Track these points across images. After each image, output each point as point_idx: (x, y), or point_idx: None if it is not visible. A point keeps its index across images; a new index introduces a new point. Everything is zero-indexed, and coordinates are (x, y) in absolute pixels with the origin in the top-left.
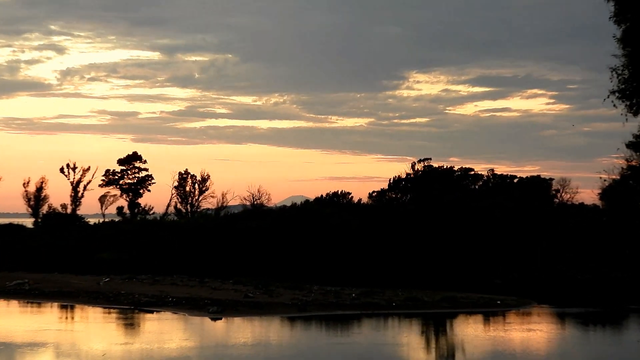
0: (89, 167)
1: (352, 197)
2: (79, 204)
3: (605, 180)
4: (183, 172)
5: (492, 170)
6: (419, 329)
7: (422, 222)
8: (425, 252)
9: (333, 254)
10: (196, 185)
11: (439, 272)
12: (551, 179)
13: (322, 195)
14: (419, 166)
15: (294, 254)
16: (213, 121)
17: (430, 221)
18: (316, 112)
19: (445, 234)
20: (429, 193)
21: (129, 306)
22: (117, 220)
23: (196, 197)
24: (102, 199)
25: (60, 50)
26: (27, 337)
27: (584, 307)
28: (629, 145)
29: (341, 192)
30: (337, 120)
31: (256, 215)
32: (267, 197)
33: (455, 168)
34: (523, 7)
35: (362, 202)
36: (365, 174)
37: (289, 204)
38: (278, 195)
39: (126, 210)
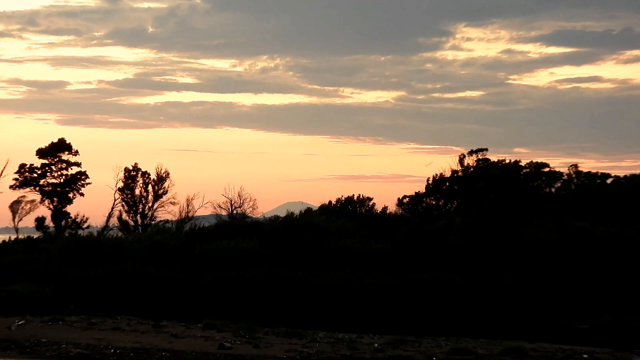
0: None
1: (373, 204)
2: None
3: None
4: (131, 168)
5: (575, 166)
6: None
7: (471, 240)
8: (479, 285)
9: (345, 287)
10: (150, 188)
11: (496, 312)
12: None
13: (330, 203)
14: (469, 160)
15: (289, 286)
16: (174, 95)
17: (483, 240)
18: (322, 82)
19: (506, 258)
20: (484, 200)
21: None
22: (36, 237)
23: (150, 205)
24: (15, 207)
25: None
26: None
27: None
28: None
29: (359, 197)
30: (352, 94)
31: (236, 231)
32: (252, 204)
33: (523, 163)
34: None
35: (388, 211)
36: (393, 170)
37: (282, 213)
38: (268, 201)
39: (49, 222)
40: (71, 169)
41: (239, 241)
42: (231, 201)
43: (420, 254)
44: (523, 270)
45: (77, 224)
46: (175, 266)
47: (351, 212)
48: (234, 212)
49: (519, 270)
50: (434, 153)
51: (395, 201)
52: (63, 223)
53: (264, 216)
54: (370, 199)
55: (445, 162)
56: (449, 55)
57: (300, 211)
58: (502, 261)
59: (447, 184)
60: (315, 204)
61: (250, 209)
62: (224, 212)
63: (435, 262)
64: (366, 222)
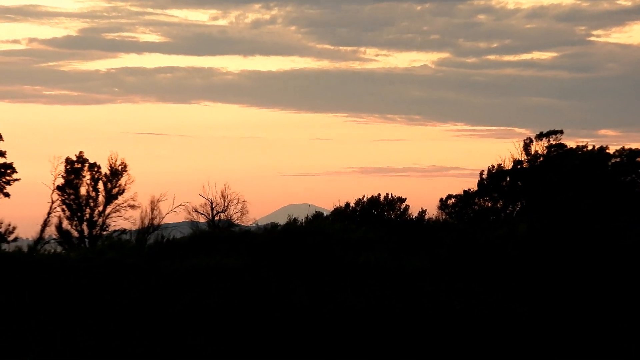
0: None
1: (407, 207)
2: None
3: None
4: (74, 159)
5: None
6: None
7: (541, 255)
8: (553, 318)
9: (368, 319)
10: (100, 185)
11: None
12: None
13: (348, 205)
14: (538, 146)
15: (292, 318)
16: (133, 59)
17: (558, 254)
18: (336, 40)
19: (591, 278)
20: (559, 199)
21: None
22: None
23: (100, 209)
24: None
25: None
26: None
27: None
28: None
29: (386, 197)
30: (377, 56)
31: (219, 245)
32: (240, 207)
33: (611, 150)
34: None
35: (427, 216)
36: (433, 161)
37: (282, 220)
38: (263, 203)
39: None
40: None
41: (222, 258)
42: (212, 204)
43: (471, 274)
44: (618, 294)
45: (1, 237)
46: (135, 292)
47: (376, 217)
48: (216, 218)
49: (611, 295)
50: (489, 137)
51: (437, 203)
52: None
53: (257, 224)
54: (402, 200)
55: (504, 149)
56: (510, 3)
57: (307, 217)
58: (586, 283)
59: (508, 178)
60: (327, 206)
61: (239, 214)
62: (202, 219)
63: (490, 285)
64: (397, 231)
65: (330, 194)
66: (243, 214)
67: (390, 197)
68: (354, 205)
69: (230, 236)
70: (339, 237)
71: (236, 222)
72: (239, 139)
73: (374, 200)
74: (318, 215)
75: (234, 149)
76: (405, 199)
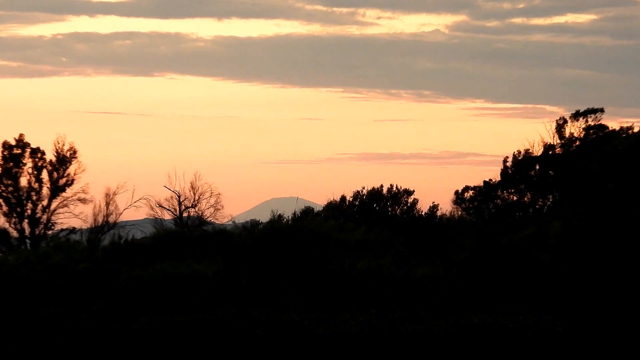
0: None
1: (415, 201)
2: None
3: None
4: (13, 144)
5: None
6: None
7: (577, 259)
8: (593, 336)
9: (370, 339)
10: (45, 175)
11: None
12: None
13: (344, 199)
14: (574, 128)
15: (277, 337)
16: (84, 22)
17: (599, 259)
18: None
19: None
20: (599, 192)
21: None
22: None
23: (45, 203)
24: None
25: None
26: None
27: None
28: None
29: (391, 189)
30: (378, 19)
31: (189, 247)
32: (214, 202)
33: None
34: None
35: (439, 212)
36: (447, 145)
37: (265, 216)
38: (242, 197)
39: None
40: None
41: (192, 263)
42: (180, 197)
43: (492, 284)
44: None
45: None
46: (87, 303)
47: (378, 214)
48: (185, 215)
49: None
50: (514, 116)
51: (451, 196)
52: None
53: (234, 222)
54: (409, 193)
55: (533, 131)
56: None
57: (295, 213)
58: (633, 293)
59: (537, 167)
60: (319, 201)
61: (212, 209)
62: (167, 216)
63: (516, 296)
64: (403, 231)
65: (323, 186)
66: (217, 209)
67: (395, 189)
68: (351, 199)
69: (202, 236)
70: (333, 238)
71: (209, 219)
72: (212, 120)
73: (375, 193)
74: (308, 211)
75: (206, 132)
76: (413, 191)
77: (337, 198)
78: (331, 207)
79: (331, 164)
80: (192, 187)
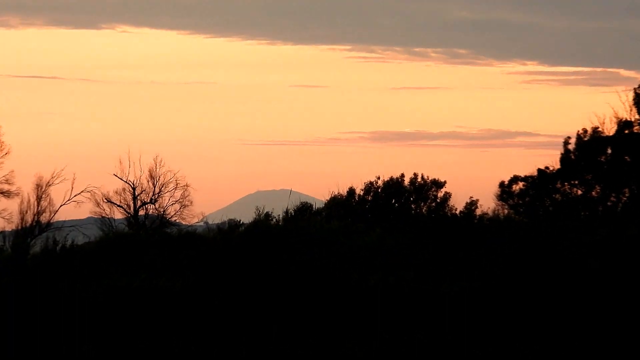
0: None
1: (447, 195)
2: None
3: None
4: None
5: None
6: None
7: None
8: None
9: None
10: None
11: None
12: None
13: (352, 192)
14: None
15: None
16: None
17: None
18: None
19: None
20: None
21: None
22: None
23: None
24: None
25: None
26: None
27: None
28: None
29: (414, 180)
30: None
31: (147, 254)
32: (181, 195)
33: None
34: None
35: (479, 211)
36: (488, 122)
37: (247, 215)
38: (217, 190)
39: None
40: None
41: (151, 276)
42: (135, 190)
43: (549, 305)
44: None
45: None
46: (9, 329)
47: (398, 212)
48: (141, 213)
49: None
50: (578, 83)
51: (495, 189)
52: None
53: (206, 222)
54: (439, 185)
55: (603, 103)
56: None
57: (287, 210)
58: None
59: (609, 150)
60: (319, 195)
61: (178, 205)
62: (118, 214)
63: (582, 321)
64: (431, 236)
65: (324, 176)
66: (184, 206)
67: (420, 180)
68: (361, 193)
69: (164, 241)
70: (338, 244)
71: (173, 219)
72: (177, 87)
73: (394, 185)
74: (304, 209)
75: (170, 103)
76: (445, 182)
77: (344, 191)
78: (335, 203)
79: (335, 146)
80: (151, 176)
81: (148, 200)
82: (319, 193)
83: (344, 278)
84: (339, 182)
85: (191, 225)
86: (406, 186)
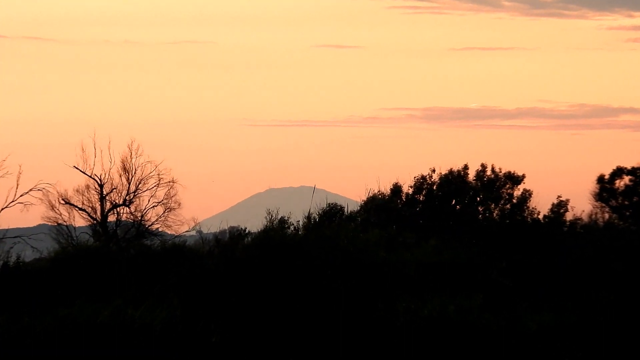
0: None
1: (527, 193)
2: None
3: None
4: None
5: None
6: None
7: None
8: None
9: None
10: None
11: None
12: None
13: (397, 190)
14: None
15: None
16: None
17: None
18: None
19: None
20: None
21: None
22: None
23: None
24: None
25: None
26: None
27: None
28: None
29: (482, 173)
30: None
31: (117, 277)
32: (165, 195)
33: None
34: None
35: (571, 216)
36: (583, 96)
37: (254, 221)
38: (217, 188)
39: None
40: None
41: (126, 305)
42: (102, 186)
43: None
44: None
45: None
46: None
47: (460, 216)
48: (111, 219)
49: None
50: None
51: (592, 186)
52: None
53: (199, 231)
54: (515, 180)
55: None
56: None
57: (310, 215)
58: None
59: None
60: (352, 193)
61: (162, 208)
62: (81, 220)
63: None
64: (506, 248)
65: (359, 167)
66: (170, 209)
67: (490, 172)
68: (411, 191)
69: (142, 257)
70: (380, 261)
71: (155, 226)
72: (159, 47)
73: (454, 180)
74: (332, 212)
75: (150, 69)
76: (523, 177)
77: (386, 189)
78: (375, 205)
79: (374, 127)
80: (125, 169)
81: (120, 202)
82: (352, 191)
83: (388, 308)
84: (380, 176)
85: (179, 236)
86: (471, 182)
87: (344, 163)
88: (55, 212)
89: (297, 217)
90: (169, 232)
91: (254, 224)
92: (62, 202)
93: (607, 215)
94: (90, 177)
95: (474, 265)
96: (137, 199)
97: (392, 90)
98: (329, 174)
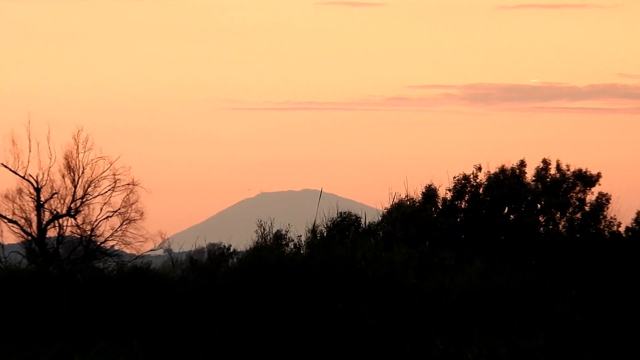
0: None
1: (602, 199)
2: None
3: None
4: None
5: None
6: None
7: None
8: None
9: None
10: None
11: None
12: None
13: (431, 194)
14: None
15: None
16: None
17: None
18: None
19: None
20: None
21: None
22: None
23: None
24: None
25: None
26: None
27: None
28: None
29: (544, 172)
30: None
31: (60, 310)
32: (124, 200)
33: None
34: None
35: None
36: None
37: (243, 236)
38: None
39: None
40: None
41: (69, 350)
42: (39, 190)
43: None
44: None
45: None
46: None
47: (514, 229)
48: (53, 232)
49: None
50: None
51: None
52: None
53: (168, 249)
54: (589, 181)
55: None
56: None
57: (315, 227)
58: None
59: None
60: (369, 200)
61: (119, 219)
62: (10, 237)
63: None
64: (576, 271)
65: (379, 164)
66: (130, 220)
67: (554, 170)
68: (449, 195)
69: (93, 284)
70: (409, 288)
71: (109, 244)
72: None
73: (507, 181)
74: (345, 224)
75: (104, 35)
76: (598, 176)
77: (416, 194)
78: (402, 214)
79: (399, 111)
80: (70, 168)
81: (64, 211)
82: (371, 196)
83: (420, 350)
84: (408, 176)
85: (142, 256)
86: (529, 183)
87: (360, 159)
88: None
89: (297, 231)
90: (128, 252)
91: (241, 239)
92: None
93: None
94: (23, 178)
95: (533, 294)
96: (86, 208)
97: (423, 62)
98: (340, 174)
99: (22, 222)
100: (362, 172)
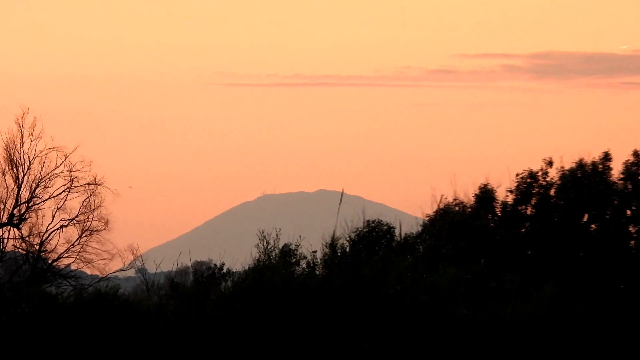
0: None
1: None
2: None
3: None
4: None
5: None
6: None
7: None
8: None
9: None
10: None
11: None
12: None
13: (488, 197)
14: None
15: None
16: None
17: None
18: None
19: None
20: None
21: None
22: None
23: None
24: None
25: None
26: None
27: None
28: None
29: (637, 165)
30: None
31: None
32: (83, 205)
33: None
34: None
35: None
36: None
37: (240, 251)
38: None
39: None
40: None
41: None
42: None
43: None
44: None
45: None
46: None
47: (594, 239)
48: None
49: None
50: None
51: None
52: None
53: (141, 269)
54: None
55: None
56: None
57: (334, 240)
58: None
59: None
60: (404, 204)
61: (78, 229)
62: None
63: None
64: None
65: (419, 159)
66: (92, 231)
67: None
68: (510, 197)
69: (43, 315)
70: (457, 320)
71: (64, 262)
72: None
73: (586, 179)
74: (375, 235)
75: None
76: None
77: (467, 195)
78: (449, 222)
79: (444, 87)
80: (12, 162)
81: (4, 219)
82: (408, 200)
83: None
84: (456, 172)
85: (107, 278)
86: (616, 182)
87: (393, 151)
88: None
89: (311, 245)
90: (89, 272)
91: (237, 256)
92: None
93: None
94: None
95: (621, 328)
96: (33, 214)
97: (474, 25)
98: (366, 171)
99: None
100: (396, 169)
